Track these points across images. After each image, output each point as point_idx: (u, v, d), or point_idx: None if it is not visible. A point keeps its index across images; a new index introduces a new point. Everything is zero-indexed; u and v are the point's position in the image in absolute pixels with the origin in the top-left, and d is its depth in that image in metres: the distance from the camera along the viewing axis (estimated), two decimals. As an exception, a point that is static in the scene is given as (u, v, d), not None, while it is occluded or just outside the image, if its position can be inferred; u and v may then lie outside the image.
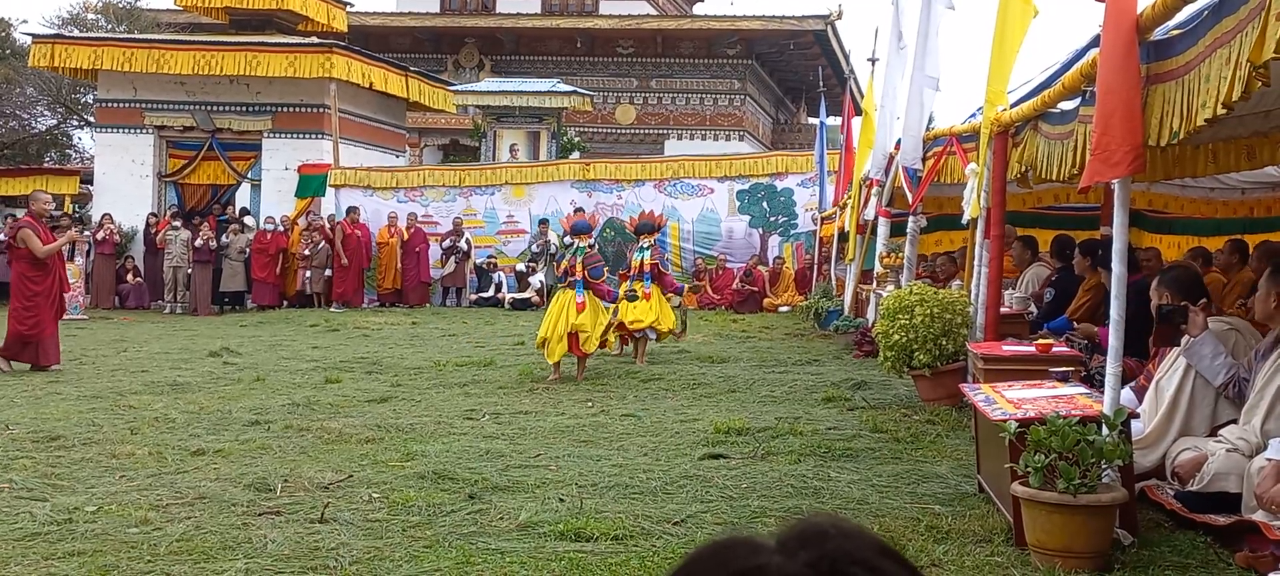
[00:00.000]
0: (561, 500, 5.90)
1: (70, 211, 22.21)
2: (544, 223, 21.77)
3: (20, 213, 23.70)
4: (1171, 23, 4.72)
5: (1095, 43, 7.59)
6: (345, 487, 6.23)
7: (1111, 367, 5.12)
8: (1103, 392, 5.35)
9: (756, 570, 0.78)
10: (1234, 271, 8.92)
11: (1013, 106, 7.96)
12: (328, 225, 21.65)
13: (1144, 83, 4.89)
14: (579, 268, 11.07)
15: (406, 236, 21.79)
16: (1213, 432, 5.52)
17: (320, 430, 7.97)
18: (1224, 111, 4.16)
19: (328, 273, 21.22)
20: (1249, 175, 9.95)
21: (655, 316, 12.47)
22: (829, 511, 5.65)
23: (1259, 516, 4.73)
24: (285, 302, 21.35)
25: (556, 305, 11.12)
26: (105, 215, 22.43)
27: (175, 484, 6.32)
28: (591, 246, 11.60)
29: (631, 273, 12.91)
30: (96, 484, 6.35)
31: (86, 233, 21.81)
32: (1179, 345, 5.68)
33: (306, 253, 21.23)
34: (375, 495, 6.03)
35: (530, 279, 21.52)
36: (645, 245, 12.80)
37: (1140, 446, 5.51)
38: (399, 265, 21.81)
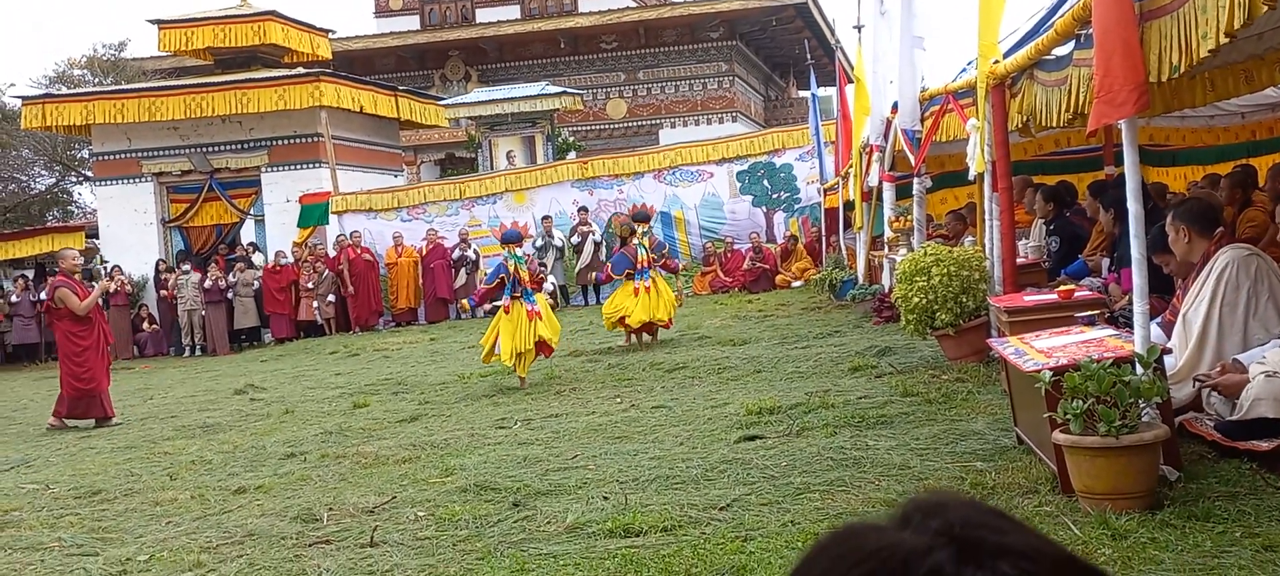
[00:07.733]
0: (606, 498, 5.94)
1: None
2: (547, 219, 21.70)
3: (31, 274, 23.88)
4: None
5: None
6: (390, 509, 6.28)
7: (1139, 305, 5.14)
8: (1130, 332, 5.38)
9: (889, 548, 0.72)
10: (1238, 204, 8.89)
11: (1006, 57, 7.96)
12: (329, 253, 21.73)
13: (1139, 20, 4.91)
14: (526, 277, 11.14)
15: (424, 253, 21.79)
16: (1245, 359, 5.54)
17: (356, 455, 8.02)
18: (1227, 40, 4.18)
19: (331, 299, 21.26)
20: (1247, 99, 9.96)
21: (664, 308, 13.10)
22: (935, 489, 5.68)
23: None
24: (301, 333, 21.43)
25: (513, 320, 10.90)
26: (114, 266, 22.52)
27: (222, 524, 6.37)
28: (529, 255, 11.86)
29: (639, 266, 13.06)
30: (144, 532, 6.40)
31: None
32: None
33: (310, 284, 21.29)
34: (421, 514, 6.07)
35: (547, 278, 21.51)
36: (643, 232, 13.38)
37: (1174, 381, 5.52)
38: (420, 283, 21.80)
